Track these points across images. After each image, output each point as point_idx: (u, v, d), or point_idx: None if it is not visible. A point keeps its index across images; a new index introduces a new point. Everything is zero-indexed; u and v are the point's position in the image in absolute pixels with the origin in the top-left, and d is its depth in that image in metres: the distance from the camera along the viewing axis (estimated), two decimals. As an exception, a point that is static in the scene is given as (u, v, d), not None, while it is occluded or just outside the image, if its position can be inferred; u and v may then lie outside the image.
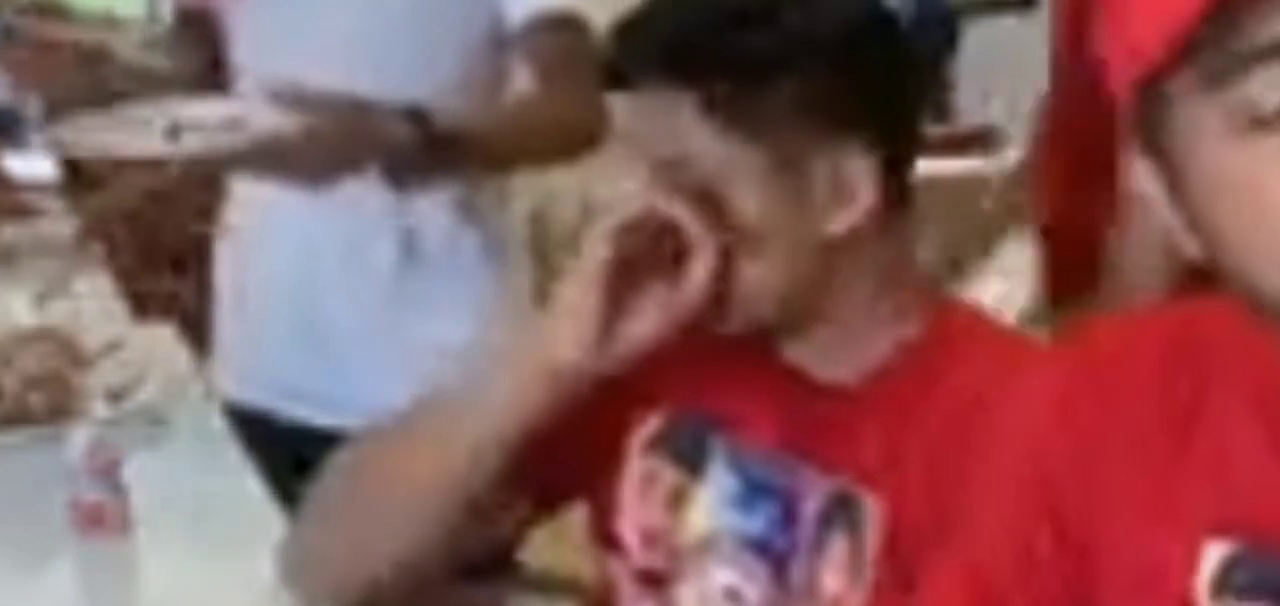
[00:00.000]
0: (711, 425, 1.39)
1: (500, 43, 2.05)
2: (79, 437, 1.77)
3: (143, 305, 2.90)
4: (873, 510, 1.30)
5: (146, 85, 2.16)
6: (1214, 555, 0.97)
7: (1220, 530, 0.97)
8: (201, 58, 2.31)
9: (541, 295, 2.26)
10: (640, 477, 1.41)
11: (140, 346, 2.32)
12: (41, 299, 2.46)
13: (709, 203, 1.30)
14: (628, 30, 1.36)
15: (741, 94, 1.30)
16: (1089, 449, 1.04)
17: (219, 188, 2.38)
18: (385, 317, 2.09)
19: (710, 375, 1.38)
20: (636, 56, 1.35)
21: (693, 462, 1.39)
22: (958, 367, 1.31)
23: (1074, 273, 2.06)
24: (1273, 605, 0.95)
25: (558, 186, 3.97)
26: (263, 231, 2.16)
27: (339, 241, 2.08)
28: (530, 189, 2.39)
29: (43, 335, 2.23)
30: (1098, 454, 1.03)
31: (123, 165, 3.30)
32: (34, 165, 3.52)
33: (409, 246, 2.08)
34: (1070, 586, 1.04)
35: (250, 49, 2.11)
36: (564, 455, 1.40)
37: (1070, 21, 2.36)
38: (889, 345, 1.35)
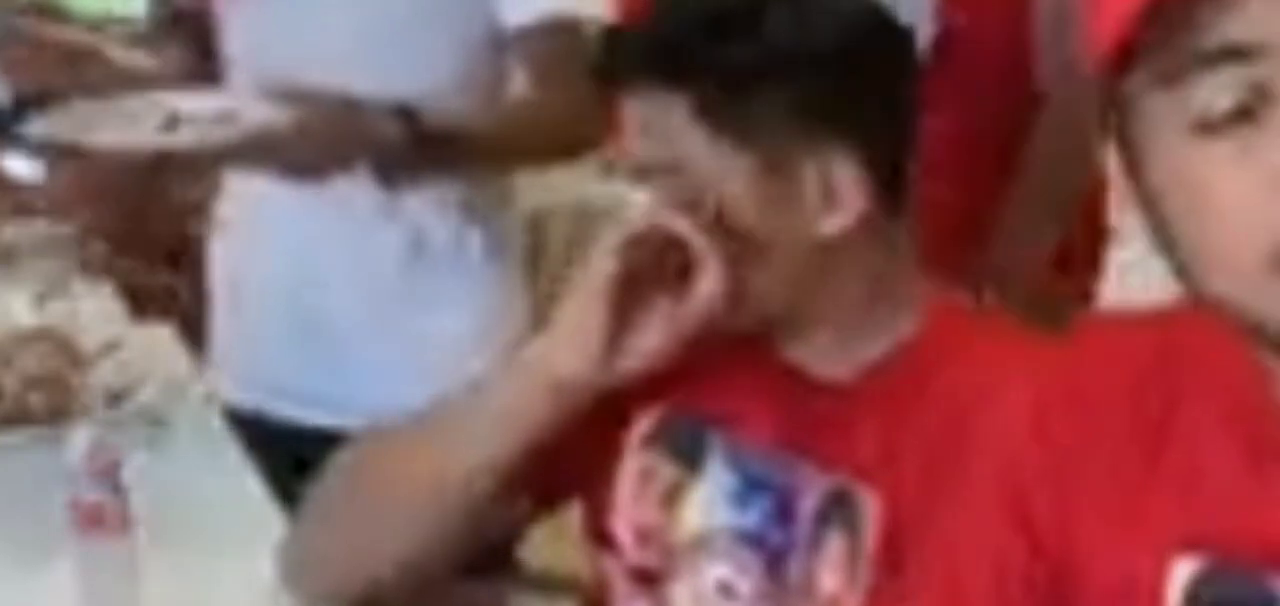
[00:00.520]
0: (709, 422, 1.39)
1: (498, 45, 2.05)
2: (79, 437, 1.77)
3: (140, 302, 2.89)
4: (870, 507, 1.30)
5: (134, 84, 2.16)
6: (1183, 571, 0.96)
7: (1190, 545, 0.96)
8: (189, 56, 2.31)
9: (537, 294, 2.26)
10: (636, 474, 1.41)
11: (139, 347, 2.32)
12: (41, 299, 2.46)
13: (712, 214, 1.30)
14: (619, 34, 1.37)
15: (731, 99, 1.31)
16: (1063, 460, 1.03)
17: (209, 182, 2.39)
18: (387, 316, 2.09)
19: (708, 372, 1.38)
20: (627, 61, 1.35)
21: (690, 459, 1.39)
22: (955, 365, 1.31)
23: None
24: None
25: (555, 187, 3.97)
26: (258, 229, 2.16)
27: (338, 240, 2.08)
28: (527, 190, 2.39)
29: (43, 335, 2.23)
30: (1072, 465, 1.03)
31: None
32: (36, 166, 3.52)
33: (417, 245, 2.08)
34: (1046, 599, 1.03)
35: (246, 47, 2.11)
36: (562, 454, 1.41)
37: None
38: (886, 343, 1.36)
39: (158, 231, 3.54)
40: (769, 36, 1.31)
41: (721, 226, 1.30)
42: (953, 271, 1.51)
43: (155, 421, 2.08)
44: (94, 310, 2.51)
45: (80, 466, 1.74)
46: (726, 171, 1.31)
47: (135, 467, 1.79)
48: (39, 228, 2.85)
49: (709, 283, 1.29)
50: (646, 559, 1.41)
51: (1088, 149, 2.40)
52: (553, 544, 1.87)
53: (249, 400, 2.16)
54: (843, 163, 1.32)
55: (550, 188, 3.88)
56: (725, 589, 1.37)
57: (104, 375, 2.17)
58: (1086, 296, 2.57)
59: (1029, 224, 2.41)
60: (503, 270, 2.15)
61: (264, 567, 1.52)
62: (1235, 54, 0.84)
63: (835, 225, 1.32)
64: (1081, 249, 2.55)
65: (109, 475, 1.74)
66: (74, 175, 3.23)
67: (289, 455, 1.93)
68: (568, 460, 1.42)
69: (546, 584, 2.45)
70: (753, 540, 1.36)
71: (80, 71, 2.12)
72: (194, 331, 2.47)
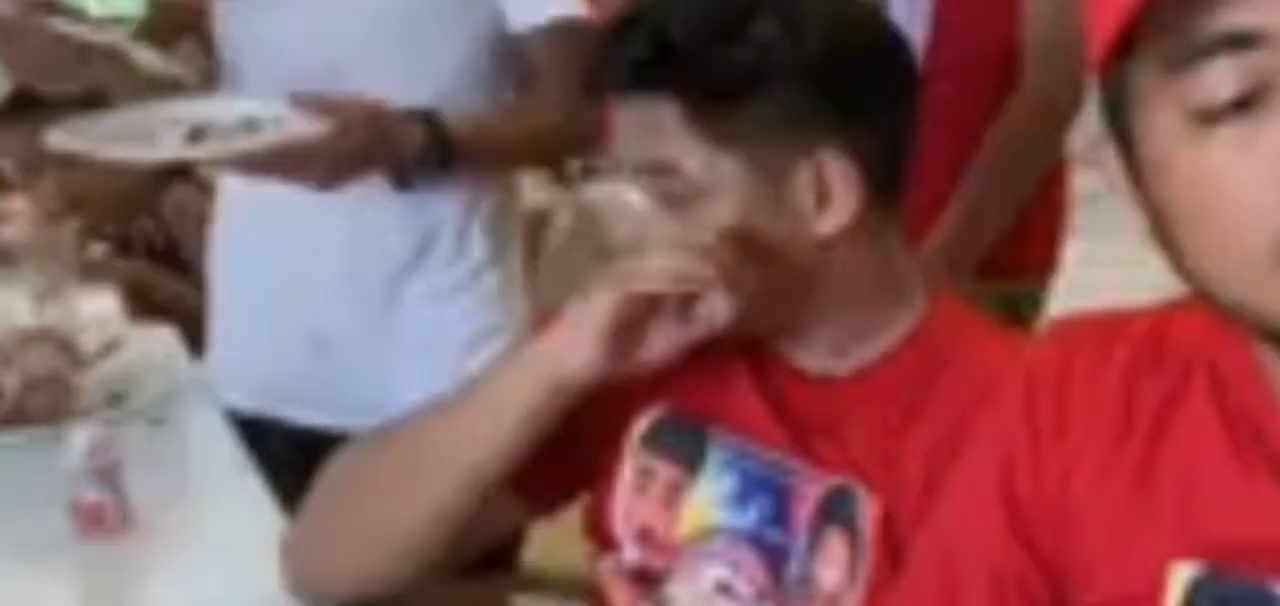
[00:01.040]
0: (708, 422, 1.39)
1: (501, 47, 2.06)
2: (79, 437, 1.77)
3: (143, 304, 2.90)
4: (869, 506, 1.30)
5: (154, 88, 2.16)
6: (1183, 576, 0.96)
7: (1187, 551, 0.96)
8: (203, 58, 2.31)
9: (535, 294, 2.27)
10: (635, 474, 1.41)
11: (139, 347, 2.32)
12: (41, 299, 2.46)
13: (709, 225, 1.30)
14: (610, 39, 1.37)
15: (722, 105, 1.31)
16: (1057, 467, 1.03)
17: (205, 187, 2.39)
18: (390, 317, 2.08)
19: (707, 372, 1.38)
20: (618, 66, 1.35)
21: (689, 459, 1.39)
22: (954, 363, 1.32)
23: None
24: None
25: (555, 187, 3.98)
26: (258, 233, 2.15)
27: (342, 243, 2.07)
28: (527, 190, 2.40)
29: (43, 335, 2.23)
30: (1066, 472, 1.02)
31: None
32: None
33: (422, 246, 2.08)
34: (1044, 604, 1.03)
35: (254, 52, 2.10)
36: (562, 454, 1.41)
37: None
38: (885, 341, 1.36)
39: (147, 236, 3.55)
40: (758, 40, 1.31)
41: (718, 234, 1.30)
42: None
43: (155, 421, 2.08)
44: (94, 310, 2.52)
45: (80, 466, 1.75)
46: (719, 176, 1.31)
47: (135, 467, 1.80)
48: (39, 228, 2.85)
49: (712, 309, 1.29)
50: (646, 559, 1.41)
51: (1058, 133, 2.40)
52: (554, 544, 1.88)
53: (249, 403, 2.15)
54: (835, 163, 1.32)
55: (550, 188, 3.89)
56: (724, 589, 1.37)
57: (104, 375, 2.17)
58: (1038, 281, 2.55)
59: (988, 203, 2.40)
60: (504, 272, 2.15)
61: (264, 567, 1.52)
62: (1236, 41, 0.83)
63: (831, 225, 1.32)
64: (1039, 233, 2.54)
65: (109, 475, 1.75)
66: (62, 182, 3.23)
67: (290, 456, 1.93)
68: (567, 461, 1.43)
69: (547, 584, 2.46)
70: (752, 540, 1.36)
71: (96, 69, 2.11)
72: (195, 332, 2.47)
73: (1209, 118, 0.85)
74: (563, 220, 3.93)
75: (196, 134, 1.87)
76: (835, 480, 1.32)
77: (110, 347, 2.27)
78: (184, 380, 2.24)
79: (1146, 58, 0.87)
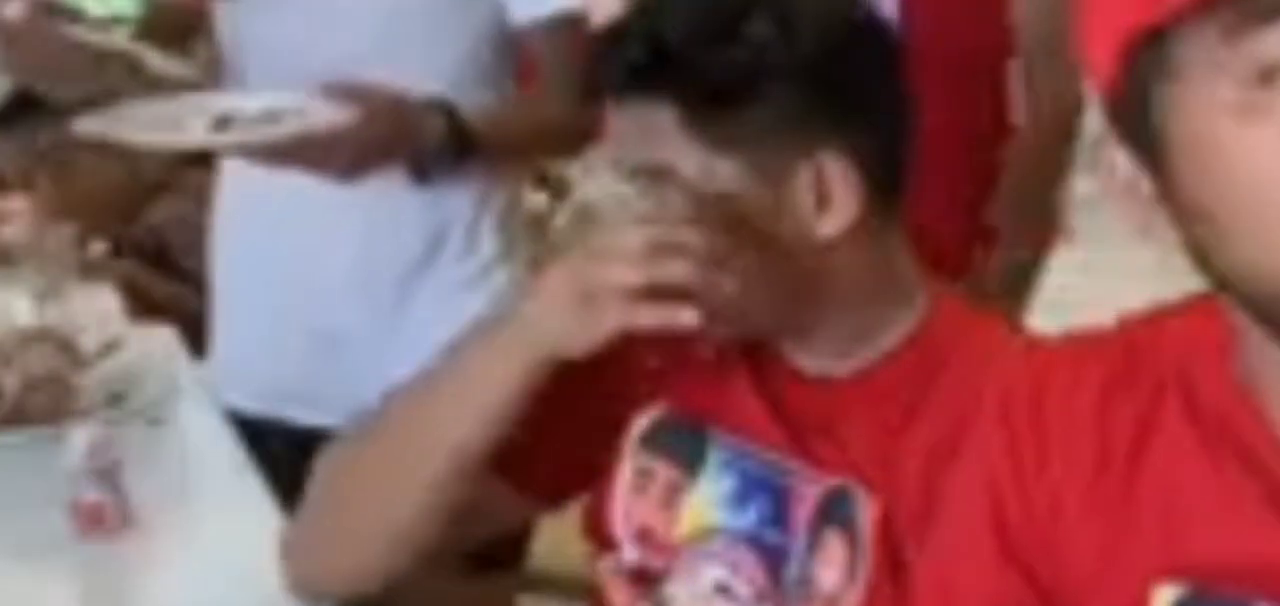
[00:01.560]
0: (707, 422, 1.39)
1: (502, 42, 2.06)
2: (79, 437, 1.78)
3: (142, 305, 2.90)
4: (868, 507, 1.30)
5: (166, 87, 2.16)
6: (1165, 599, 0.95)
7: (1170, 573, 0.95)
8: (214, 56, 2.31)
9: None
10: (634, 475, 1.41)
11: (139, 347, 2.32)
12: (41, 299, 2.46)
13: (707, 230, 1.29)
14: (605, 43, 1.36)
15: (719, 108, 1.30)
16: (1045, 495, 1.02)
17: (202, 199, 2.39)
18: (400, 316, 2.08)
19: (706, 373, 1.39)
20: (614, 71, 1.35)
21: (689, 460, 1.39)
22: (953, 364, 1.31)
23: None
24: None
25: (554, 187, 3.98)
26: (262, 233, 2.15)
27: (355, 241, 2.07)
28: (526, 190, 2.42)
29: (43, 335, 2.23)
30: (1055, 499, 1.01)
31: (97, 155, 3.32)
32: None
33: (437, 243, 2.08)
34: None
35: (261, 48, 2.10)
36: (565, 447, 1.41)
37: None
38: (885, 342, 1.36)
39: (136, 240, 3.55)
40: (753, 40, 1.31)
41: (717, 236, 1.29)
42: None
43: (155, 421, 2.09)
44: (94, 310, 2.52)
45: (80, 466, 1.75)
46: (718, 178, 1.30)
47: (135, 467, 1.80)
48: (39, 228, 2.85)
49: (677, 315, 1.26)
50: (645, 559, 1.41)
51: (1073, 126, 2.41)
52: (561, 542, 1.88)
53: (251, 403, 2.15)
54: (835, 164, 1.31)
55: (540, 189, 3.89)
56: (723, 589, 1.37)
57: (104, 375, 2.17)
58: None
59: (1029, 217, 2.42)
60: (512, 270, 2.15)
61: (264, 567, 1.52)
62: None
63: (832, 227, 1.32)
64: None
65: (109, 475, 1.75)
66: (57, 185, 3.24)
67: (291, 457, 1.92)
68: (570, 454, 1.43)
69: (554, 583, 2.46)
70: (751, 541, 1.36)
71: (109, 74, 2.12)
72: (191, 333, 2.47)
73: (1267, 79, 0.83)
74: (561, 220, 3.93)
75: (221, 123, 1.88)
76: (834, 481, 1.32)
77: (110, 347, 2.27)
78: (184, 380, 2.24)
79: (1199, 29, 0.85)
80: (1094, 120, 0.96)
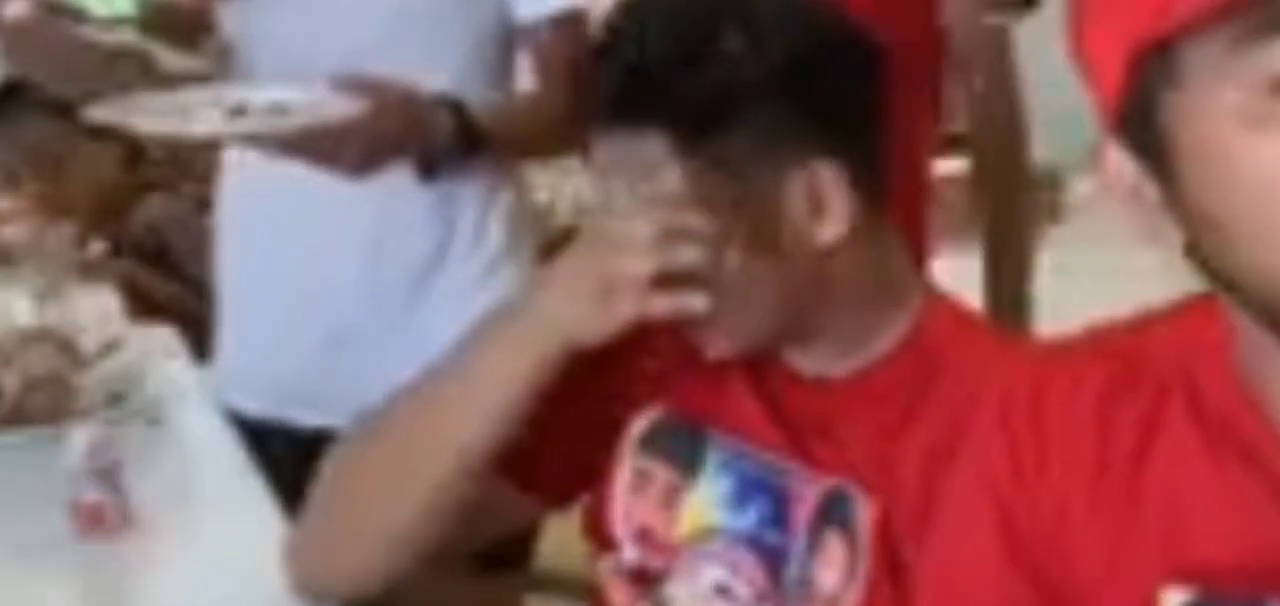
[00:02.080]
0: (706, 424, 1.39)
1: (507, 39, 2.06)
2: (79, 437, 1.78)
3: (141, 305, 2.90)
4: (866, 508, 1.30)
5: (176, 84, 2.16)
6: (1172, 603, 0.95)
7: (1177, 576, 0.95)
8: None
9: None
10: (633, 476, 1.41)
11: (139, 347, 2.32)
12: (41, 299, 2.46)
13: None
14: (587, 76, 1.36)
15: (706, 130, 1.29)
16: (1050, 500, 1.01)
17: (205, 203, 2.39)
18: (411, 316, 2.08)
19: (705, 374, 1.39)
20: (596, 103, 1.34)
21: (688, 461, 1.39)
22: (950, 366, 1.31)
23: None
24: None
25: (554, 186, 3.98)
26: (270, 235, 2.14)
27: (366, 242, 2.07)
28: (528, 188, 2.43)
29: (43, 335, 2.23)
30: (1060, 503, 1.01)
31: (89, 153, 3.33)
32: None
33: (445, 239, 2.08)
34: None
35: (266, 44, 2.09)
36: (563, 453, 1.41)
37: None
38: (884, 344, 1.36)
39: (136, 239, 3.55)
40: (727, 58, 1.30)
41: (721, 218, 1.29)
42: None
43: (155, 421, 2.09)
44: (94, 310, 2.52)
45: (80, 466, 1.75)
46: (710, 201, 1.30)
47: (135, 467, 1.80)
48: (39, 228, 2.85)
49: (688, 302, 1.28)
50: (645, 559, 1.41)
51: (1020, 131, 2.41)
52: (568, 543, 1.88)
53: (255, 404, 2.14)
54: (827, 171, 1.31)
55: (549, 186, 3.89)
56: (723, 590, 1.37)
57: (104, 375, 2.17)
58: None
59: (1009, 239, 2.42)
60: (519, 268, 2.15)
61: (264, 568, 1.52)
62: None
63: (829, 234, 1.31)
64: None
65: (109, 475, 1.75)
66: (43, 181, 3.24)
67: (293, 459, 1.92)
68: (573, 453, 1.43)
69: (561, 583, 2.45)
70: (751, 541, 1.36)
71: (120, 72, 2.12)
72: (190, 334, 2.47)
73: (1276, 90, 0.83)
74: (562, 217, 3.94)
75: (233, 115, 1.88)
76: (831, 482, 1.33)
77: (110, 347, 2.27)
78: (184, 380, 2.24)
79: (1209, 38, 0.85)
80: (1095, 124, 0.95)
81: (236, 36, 2.14)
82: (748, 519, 1.36)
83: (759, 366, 1.38)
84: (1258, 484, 0.94)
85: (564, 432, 1.39)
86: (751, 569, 1.36)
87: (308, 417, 2.08)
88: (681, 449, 1.40)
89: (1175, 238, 0.91)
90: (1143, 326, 1.03)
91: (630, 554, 1.42)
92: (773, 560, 1.35)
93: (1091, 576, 1.00)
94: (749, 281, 1.31)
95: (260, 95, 1.93)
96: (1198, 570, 0.95)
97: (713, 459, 1.39)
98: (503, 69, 2.09)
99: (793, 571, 1.34)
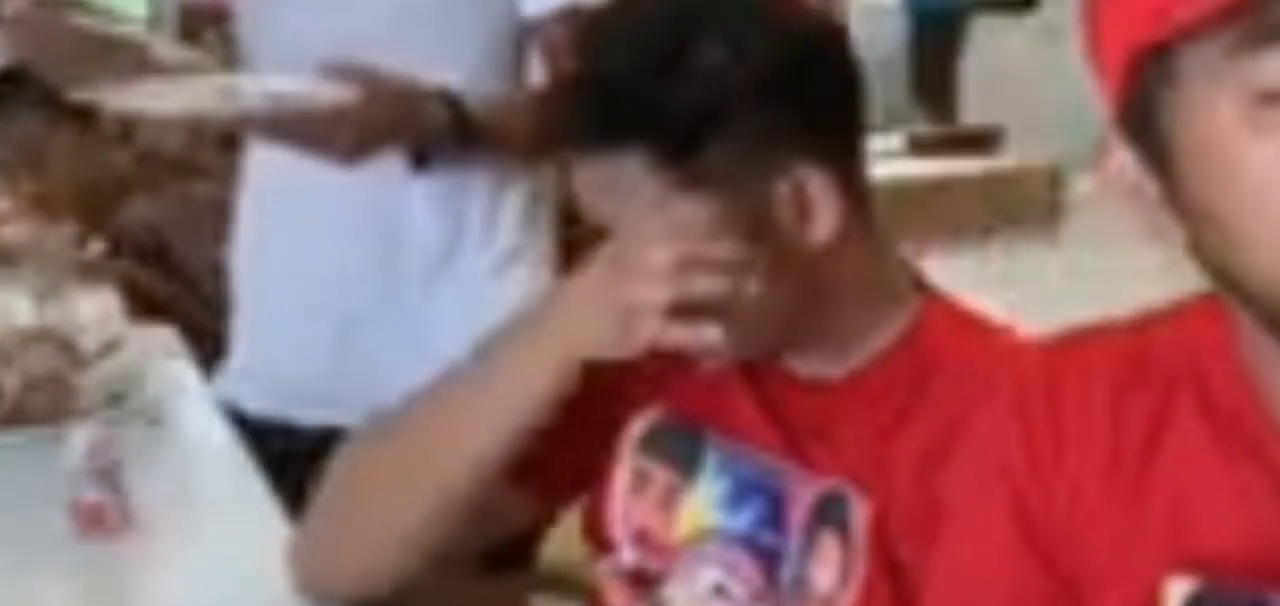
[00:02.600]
0: (703, 426, 1.39)
1: (517, 34, 2.06)
2: (79, 437, 1.78)
3: (143, 305, 2.90)
4: (861, 509, 1.30)
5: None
6: (1177, 592, 0.96)
7: (1183, 567, 0.96)
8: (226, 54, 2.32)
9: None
10: (631, 477, 1.42)
11: (139, 347, 2.32)
12: (41, 299, 2.46)
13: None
14: (557, 102, 1.35)
15: (686, 147, 1.27)
16: (1064, 487, 1.02)
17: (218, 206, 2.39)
18: (422, 315, 2.08)
19: (702, 376, 1.38)
20: (570, 128, 1.33)
21: (685, 463, 1.39)
22: (945, 365, 1.31)
23: None
24: None
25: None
26: (284, 235, 2.14)
27: (374, 235, 2.07)
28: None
29: (43, 335, 2.23)
30: (1073, 490, 1.02)
31: (68, 144, 3.33)
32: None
33: (456, 235, 2.07)
34: None
35: (276, 38, 2.10)
36: (563, 454, 1.41)
37: None
38: (877, 343, 1.36)
39: (136, 238, 3.55)
40: (705, 70, 1.27)
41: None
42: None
43: (155, 421, 2.09)
44: (94, 310, 2.52)
45: (80, 466, 1.75)
46: (695, 214, 1.27)
47: (135, 467, 1.80)
48: (39, 228, 2.86)
49: (705, 335, 1.26)
50: (643, 561, 1.41)
51: None
52: (571, 543, 1.87)
53: (258, 404, 2.14)
54: (813, 175, 1.29)
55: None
56: (720, 591, 1.37)
57: (104, 375, 2.17)
58: None
59: None
60: (531, 262, 2.14)
61: (265, 568, 1.52)
62: None
63: (819, 238, 1.30)
64: None
65: (109, 475, 1.75)
66: (36, 186, 3.24)
67: (295, 459, 1.92)
68: (568, 460, 1.43)
69: (565, 583, 2.45)
70: (746, 542, 1.36)
71: (119, 63, 2.11)
72: (197, 333, 2.47)
73: (1269, 100, 0.84)
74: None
75: (226, 94, 1.88)
76: (828, 482, 1.32)
77: (110, 347, 2.27)
78: (184, 380, 2.24)
79: (1206, 43, 0.85)
80: (1097, 122, 0.96)
81: (246, 30, 2.15)
82: (743, 519, 1.36)
83: (756, 368, 1.38)
84: (1263, 478, 0.95)
85: (563, 433, 1.39)
86: (747, 569, 1.36)
87: (311, 416, 2.08)
88: (680, 450, 1.40)
89: (1177, 236, 0.92)
90: (1144, 325, 1.03)
91: (629, 555, 1.42)
92: (768, 560, 1.35)
93: (1100, 565, 1.00)
94: (740, 285, 1.30)
95: (252, 84, 1.94)
96: (1203, 561, 0.95)
97: (711, 460, 1.39)
98: (517, 67, 2.09)
99: (788, 572, 1.34)
